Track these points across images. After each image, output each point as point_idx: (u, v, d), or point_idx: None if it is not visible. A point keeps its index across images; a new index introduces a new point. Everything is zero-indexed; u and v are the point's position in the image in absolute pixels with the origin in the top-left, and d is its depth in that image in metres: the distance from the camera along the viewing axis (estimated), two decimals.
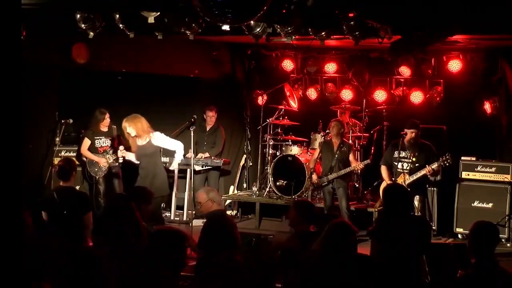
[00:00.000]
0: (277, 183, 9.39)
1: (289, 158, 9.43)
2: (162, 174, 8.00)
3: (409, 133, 7.74)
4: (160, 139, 8.05)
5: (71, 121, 8.83)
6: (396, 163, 7.79)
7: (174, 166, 8.53)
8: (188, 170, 8.99)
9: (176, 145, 8.26)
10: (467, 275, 4.00)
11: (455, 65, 9.28)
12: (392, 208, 5.12)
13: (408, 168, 7.68)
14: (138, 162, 8.03)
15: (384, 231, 5.06)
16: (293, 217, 5.34)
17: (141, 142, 7.94)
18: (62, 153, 8.80)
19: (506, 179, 8.38)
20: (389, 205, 5.20)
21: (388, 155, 8.01)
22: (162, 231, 3.87)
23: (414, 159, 7.68)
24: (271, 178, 9.42)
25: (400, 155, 7.79)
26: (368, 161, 8.37)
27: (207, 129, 9.60)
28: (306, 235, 5.09)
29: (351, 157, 8.35)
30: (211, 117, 9.49)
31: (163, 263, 3.64)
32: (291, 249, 4.98)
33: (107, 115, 8.70)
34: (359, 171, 8.99)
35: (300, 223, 5.26)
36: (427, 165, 7.58)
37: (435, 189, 8.61)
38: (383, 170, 7.99)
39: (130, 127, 7.88)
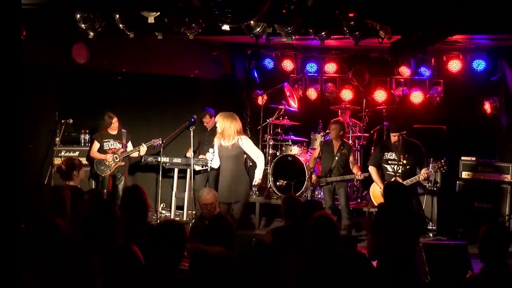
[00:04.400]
0: (277, 183, 9.39)
1: (289, 158, 9.42)
2: (244, 179, 7.52)
3: (392, 137, 7.65)
4: (247, 144, 7.50)
5: (71, 121, 8.84)
6: (386, 165, 7.72)
7: (257, 180, 7.67)
8: (188, 170, 8.99)
9: (259, 155, 7.60)
10: (476, 277, 3.97)
11: (455, 65, 9.29)
12: (393, 206, 5.20)
13: (399, 171, 7.59)
14: (217, 164, 7.65)
15: (384, 227, 5.14)
16: (281, 212, 5.70)
17: (226, 143, 7.46)
18: (62, 153, 8.83)
19: (506, 179, 8.38)
20: (390, 203, 5.28)
21: (377, 156, 7.89)
22: (166, 224, 4.02)
23: (405, 161, 7.60)
24: (271, 178, 9.42)
25: (389, 157, 7.71)
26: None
27: (208, 129, 9.59)
28: (280, 229, 5.34)
29: (351, 158, 8.32)
30: (207, 122, 9.48)
31: (163, 254, 3.77)
32: (263, 243, 5.23)
33: (115, 120, 8.77)
34: (360, 178, 8.76)
35: (284, 218, 5.58)
36: (422, 172, 7.50)
37: (435, 189, 8.60)
38: (373, 171, 7.87)
39: (219, 123, 7.42)
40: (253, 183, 7.67)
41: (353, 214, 8.35)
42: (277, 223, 9.38)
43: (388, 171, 7.68)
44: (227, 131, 7.37)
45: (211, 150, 7.83)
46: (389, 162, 7.68)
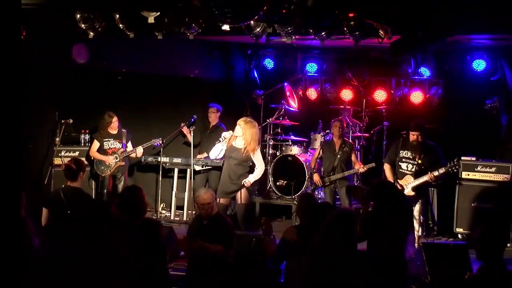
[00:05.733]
0: (277, 183, 9.39)
1: (289, 158, 9.43)
2: (241, 181, 7.37)
3: (411, 135, 7.49)
4: (257, 157, 7.46)
5: (71, 121, 8.84)
6: (400, 163, 7.63)
7: (249, 181, 7.37)
8: (188, 170, 8.99)
9: (261, 164, 7.51)
10: (475, 277, 4.00)
11: (454, 66, 9.28)
12: (384, 205, 5.21)
13: (413, 169, 7.47)
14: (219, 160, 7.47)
15: (376, 226, 5.15)
16: (297, 210, 5.67)
17: (238, 145, 7.38)
18: (62, 153, 8.82)
19: (506, 179, 8.37)
20: (380, 202, 5.28)
21: (392, 153, 7.73)
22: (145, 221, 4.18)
23: (419, 161, 7.46)
24: (271, 178, 9.42)
25: (404, 155, 7.61)
26: (373, 164, 8.23)
27: (210, 127, 9.58)
28: (301, 227, 5.24)
29: (353, 157, 8.32)
30: (210, 113, 9.46)
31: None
32: (289, 241, 5.11)
33: (115, 119, 8.74)
34: (363, 171, 8.81)
35: (300, 215, 5.50)
36: (429, 172, 7.33)
37: (435, 189, 8.59)
38: (387, 169, 7.75)
39: (243, 128, 7.30)
40: (242, 182, 7.39)
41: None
42: (277, 223, 9.39)
43: (402, 168, 7.54)
44: (248, 137, 7.27)
45: (220, 140, 7.56)
46: (404, 160, 7.56)
